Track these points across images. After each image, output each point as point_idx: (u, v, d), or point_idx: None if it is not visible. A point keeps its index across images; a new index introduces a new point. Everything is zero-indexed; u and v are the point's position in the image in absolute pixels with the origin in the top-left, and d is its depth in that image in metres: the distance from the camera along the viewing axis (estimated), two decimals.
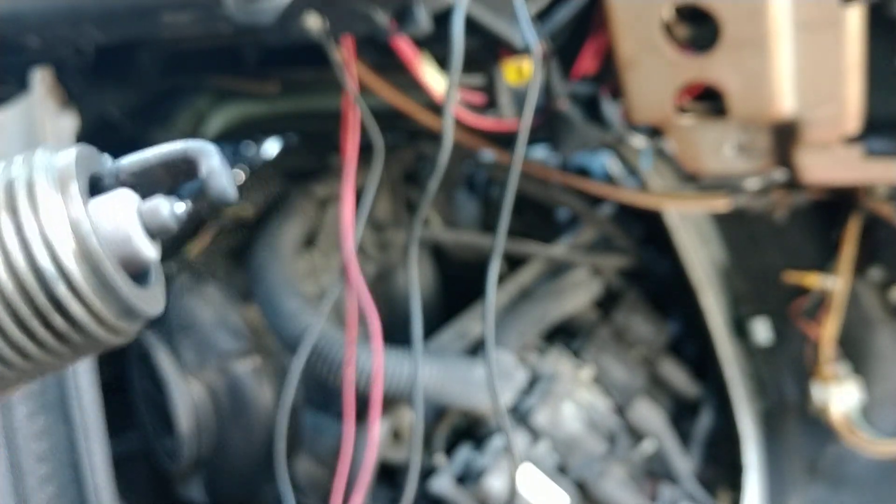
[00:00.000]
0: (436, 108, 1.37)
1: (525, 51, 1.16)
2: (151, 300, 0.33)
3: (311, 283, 1.81)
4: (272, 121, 2.26)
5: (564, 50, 1.31)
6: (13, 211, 0.30)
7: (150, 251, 0.33)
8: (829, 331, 1.87)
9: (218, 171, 0.34)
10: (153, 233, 0.33)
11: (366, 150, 1.60)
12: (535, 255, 2.15)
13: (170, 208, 0.33)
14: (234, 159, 3.10)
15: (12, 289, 0.30)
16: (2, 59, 1.54)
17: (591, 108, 1.29)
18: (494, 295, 1.47)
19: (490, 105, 1.32)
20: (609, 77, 1.32)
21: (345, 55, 1.30)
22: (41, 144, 0.32)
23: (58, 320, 0.32)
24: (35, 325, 0.31)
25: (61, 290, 0.30)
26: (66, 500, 1.15)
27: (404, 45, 1.21)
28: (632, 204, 1.86)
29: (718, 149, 1.41)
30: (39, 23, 1.30)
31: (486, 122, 1.32)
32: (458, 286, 2.38)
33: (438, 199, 2.29)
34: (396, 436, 1.63)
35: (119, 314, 0.32)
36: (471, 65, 1.26)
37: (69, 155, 0.32)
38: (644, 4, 1.18)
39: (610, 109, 1.28)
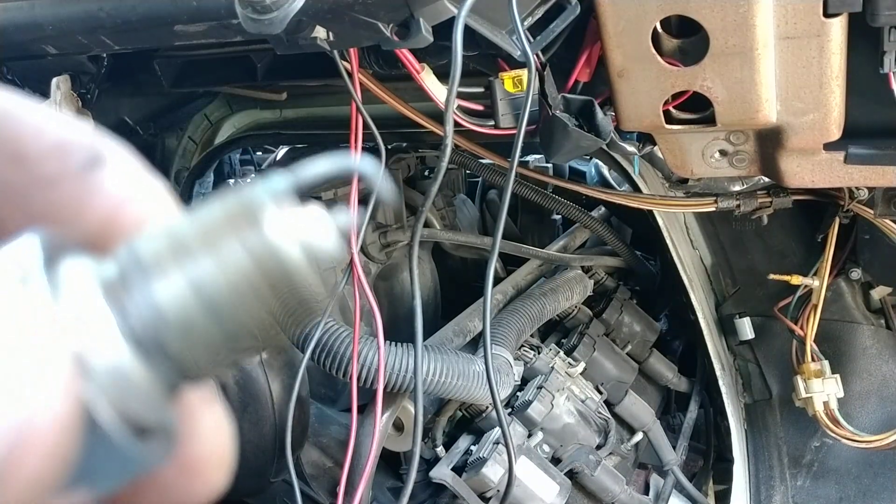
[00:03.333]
0: (437, 116, 1.41)
1: (521, 61, 1.20)
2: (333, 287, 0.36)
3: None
4: (280, 127, 2.30)
5: (559, 60, 1.35)
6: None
7: (342, 256, 0.35)
8: (811, 329, 1.90)
9: (380, 180, 0.35)
10: (342, 241, 0.34)
11: (369, 155, 1.65)
12: (531, 256, 2.19)
13: (353, 220, 0.35)
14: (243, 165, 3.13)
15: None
16: (20, 67, 1.58)
17: (585, 116, 1.31)
18: (491, 293, 1.50)
19: (488, 113, 1.35)
20: (601, 86, 1.35)
21: (350, 65, 1.34)
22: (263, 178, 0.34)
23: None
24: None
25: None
26: None
27: (407, 56, 1.25)
28: (624, 206, 1.89)
29: (705, 154, 1.43)
30: (56, 32, 1.31)
31: (484, 128, 1.35)
32: (457, 285, 2.43)
33: (439, 203, 2.33)
34: (398, 427, 1.66)
35: None
36: (470, 74, 1.29)
37: (279, 180, 0.32)
38: (635, 17, 1.19)
39: (602, 117, 1.30)
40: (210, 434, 0.36)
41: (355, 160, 0.33)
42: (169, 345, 0.30)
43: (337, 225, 0.32)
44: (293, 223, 0.31)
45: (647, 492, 1.96)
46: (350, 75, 1.33)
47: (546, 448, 1.74)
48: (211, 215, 0.31)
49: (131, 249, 0.31)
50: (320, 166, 0.32)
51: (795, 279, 1.91)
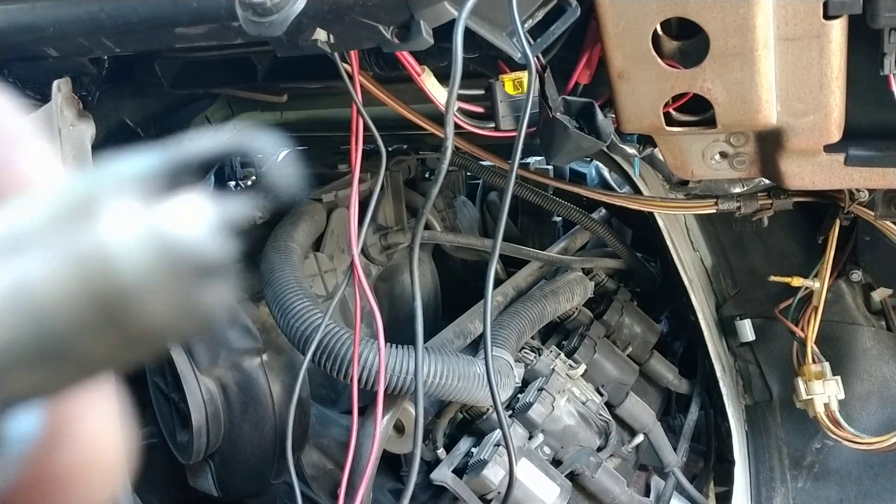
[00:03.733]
0: (437, 118, 1.41)
1: (522, 63, 1.20)
2: (222, 295, 0.28)
3: (317, 283, 1.85)
4: (281, 129, 2.30)
5: (560, 62, 1.35)
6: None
7: (224, 251, 0.28)
8: (812, 330, 1.90)
9: (274, 160, 0.31)
10: (226, 232, 0.28)
11: (370, 157, 1.65)
12: (531, 258, 2.19)
13: (242, 208, 0.28)
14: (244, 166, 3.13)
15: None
16: (20, 69, 1.58)
17: (585, 118, 1.31)
18: (492, 295, 1.50)
19: (489, 115, 1.35)
20: (602, 88, 1.35)
21: (350, 67, 1.34)
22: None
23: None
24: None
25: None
26: None
27: (407, 58, 1.25)
28: (624, 208, 1.89)
29: (706, 156, 1.43)
30: (57, 34, 1.31)
31: (485, 130, 1.35)
32: (457, 287, 2.43)
33: (439, 204, 2.33)
34: (399, 429, 1.66)
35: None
36: (471, 76, 1.29)
37: (137, 162, 0.28)
38: (635, 19, 1.19)
39: (602, 119, 1.30)
40: (90, 439, 0.33)
41: (251, 138, 0.28)
42: None
43: (218, 217, 0.26)
44: (145, 218, 0.26)
45: (647, 493, 1.96)
46: (351, 77, 1.34)
47: (547, 450, 1.74)
48: (57, 201, 0.27)
49: None
50: (204, 144, 0.27)
51: (796, 281, 1.91)
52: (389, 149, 2.10)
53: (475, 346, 1.77)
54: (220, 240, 0.26)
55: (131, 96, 1.99)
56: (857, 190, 1.72)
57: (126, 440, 0.35)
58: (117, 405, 0.35)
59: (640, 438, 1.99)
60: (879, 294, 2.02)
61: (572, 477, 1.71)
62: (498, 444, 1.62)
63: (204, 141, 0.28)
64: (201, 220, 0.26)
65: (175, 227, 0.26)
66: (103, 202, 0.26)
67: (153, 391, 1.74)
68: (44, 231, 0.26)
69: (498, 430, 1.65)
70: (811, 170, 1.41)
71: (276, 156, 0.31)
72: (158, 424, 1.77)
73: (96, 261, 0.25)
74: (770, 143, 1.37)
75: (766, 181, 1.61)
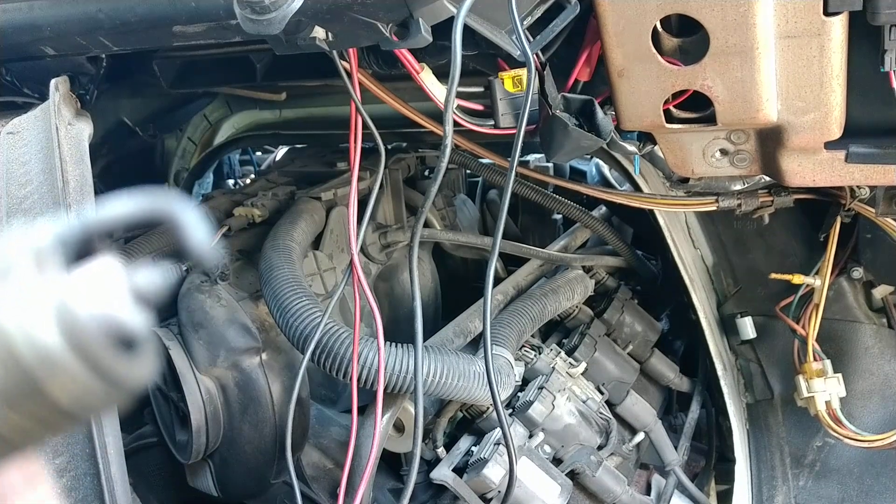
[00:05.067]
0: (437, 116, 1.41)
1: (521, 61, 1.20)
2: (140, 368, 0.28)
3: (316, 282, 1.85)
4: (280, 127, 2.30)
5: (559, 59, 1.35)
6: None
7: (139, 323, 0.28)
8: (813, 328, 1.90)
9: (194, 230, 0.29)
10: (142, 303, 0.28)
11: (369, 155, 1.65)
12: (532, 256, 2.19)
13: (159, 277, 0.28)
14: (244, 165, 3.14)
15: None
16: (19, 68, 1.58)
17: (585, 116, 1.31)
18: (492, 294, 1.50)
19: (488, 112, 1.35)
20: (602, 85, 1.35)
21: (349, 65, 1.34)
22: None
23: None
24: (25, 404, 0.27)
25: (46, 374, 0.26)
26: (81, 490, 1.17)
27: (406, 56, 1.25)
28: (625, 206, 1.89)
29: (706, 154, 1.43)
30: (54, 33, 1.31)
31: (484, 128, 1.35)
32: (457, 285, 2.43)
33: (439, 203, 2.33)
34: (399, 428, 1.66)
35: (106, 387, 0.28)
36: (470, 74, 1.29)
37: (46, 232, 0.27)
38: (635, 16, 1.19)
39: (602, 117, 1.30)
40: None
41: (167, 201, 0.27)
42: None
43: (134, 286, 0.25)
44: (50, 293, 0.24)
45: (648, 492, 1.96)
46: (349, 75, 1.33)
47: (547, 449, 1.74)
48: None
49: None
50: (114, 210, 0.27)
51: (797, 278, 1.91)
52: (388, 147, 2.11)
53: (475, 345, 1.77)
54: (134, 310, 0.25)
55: (130, 95, 1.99)
56: (858, 187, 1.72)
57: None
58: (47, 482, 0.35)
59: (640, 437, 1.98)
60: (880, 291, 2.01)
61: (573, 476, 1.71)
62: (498, 443, 1.62)
63: (118, 205, 0.27)
64: (112, 292, 0.25)
65: (82, 300, 0.24)
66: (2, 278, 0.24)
67: (152, 391, 1.74)
68: None
69: (498, 428, 1.64)
70: (812, 167, 1.40)
71: (195, 226, 0.29)
72: (157, 424, 1.76)
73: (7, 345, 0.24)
74: (771, 141, 1.37)
75: (767, 178, 1.61)
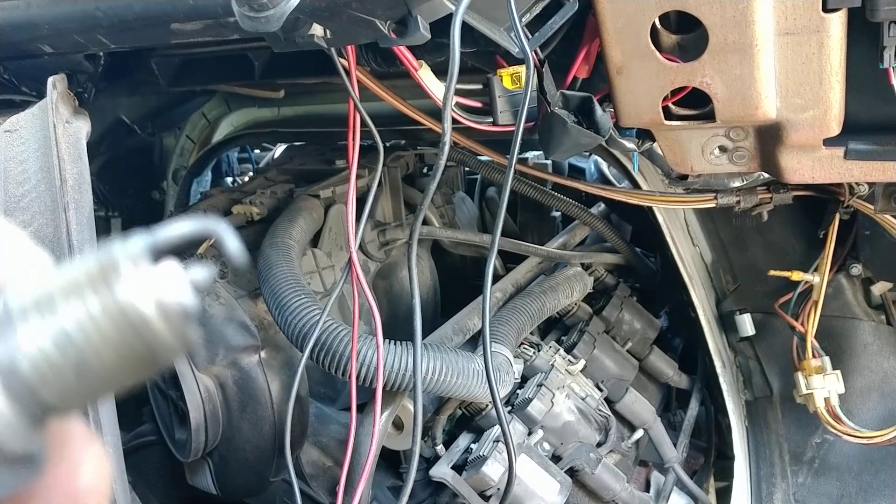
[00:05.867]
0: (435, 113, 1.41)
1: (520, 58, 1.19)
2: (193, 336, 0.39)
3: (315, 280, 1.85)
4: (278, 125, 2.30)
5: (558, 56, 1.35)
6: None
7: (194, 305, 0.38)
8: (812, 325, 1.90)
9: (235, 247, 0.39)
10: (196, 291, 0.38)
11: (368, 153, 1.65)
12: (530, 254, 2.19)
13: (207, 272, 0.39)
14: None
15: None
16: (16, 67, 1.57)
17: (584, 113, 1.31)
18: (491, 291, 1.50)
19: (487, 110, 1.35)
20: (600, 82, 1.35)
21: (347, 62, 1.33)
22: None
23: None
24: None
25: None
26: None
27: (404, 53, 1.25)
28: (624, 203, 1.89)
29: (705, 151, 1.43)
30: (52, 31, 1.31)
31: (483, 126, 1.35)
32: (456, 283, 2.43)
33: (438, 200, 2.33)
34: (398, 426, 1.66)
35: None
36: (468, 71, 1.29)
37: (136, 241, 0.37)
38: (634, 12, 1.19)
39: (601, 114, 1.30)
40: (91, 467, 0.41)
41: (213, 225, 0.38)
42: (32, 386, 0.36)
43: (191, 280, 0.37)
44: (147, 281, 0.36)
45: (648, 489, 1.96)
46: (348, 73, 1.33)
47: (546, 446, 1.74)
48: (74, 273, 0.37)
49: (2, 302, 0.37)
50: (178, 229, 0.38)
51: (796, 275, 1.91)
52: (387, 144, 2.11)
53: (474, 343, 1.76)
54: (191, 296, 0.37)
55: (128, 93, 1.99)
56: (857, 184, 1.73)
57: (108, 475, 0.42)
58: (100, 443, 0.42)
59: (639, 434, 1.99)
60: (879, 288, 2.02)
61: (572, 473, 1.71)
62: (497, 441, 1.62)
63: (177, 226, 0.37)
64: (184, 282, 0.37)
65: (166, 288, 0.36)
66: (118, 270, 0.36)
67: (151, 389, 1.74)
68: (70, 294, 0.36)
69: (497, 426, 1.65)
70: (811, 164, 1.40)
71: (232, 240, 0.39)
72: (156, 422, 1.76)
73: (118, 312, 0.36)
74: (769, 138, 1.37)
75: (766, 175, 1.61)
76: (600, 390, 1.94)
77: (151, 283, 0.36)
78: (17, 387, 0.35)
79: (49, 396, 0.36)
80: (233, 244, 0.38)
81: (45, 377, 0.35)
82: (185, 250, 1.77)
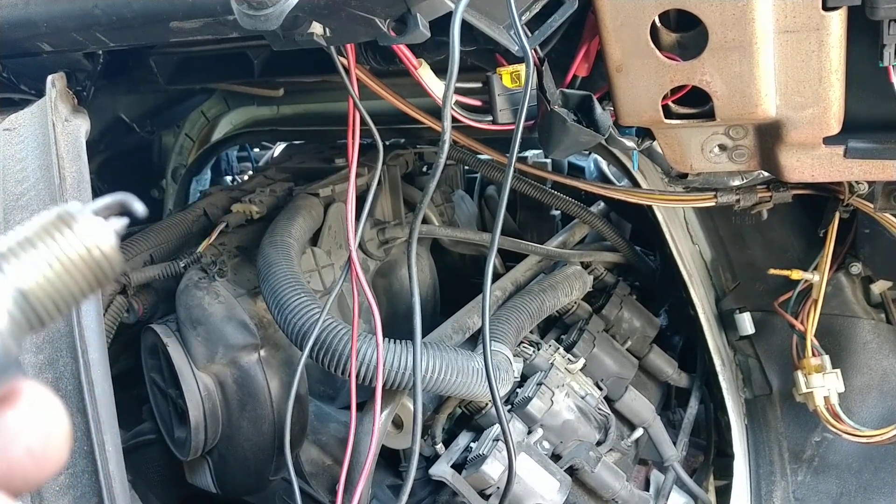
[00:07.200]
0: (435, 111, 1.41)
1: (519, 56, 1.19)
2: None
3: (314, 279, 1.85)
4: (277, 124, 2.30)
5: (557, 55, 1.35)
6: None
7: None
8: (811, 323, 1.90)
9: (139, 205, 0.48)
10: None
11: (367, 151, 1.65)
12: (530, 252, 2.19)
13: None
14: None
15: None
16: (15, 65, 1.57)
17: (583, 111, 1.31)
18: (490, 290, 1.50)
19: (486, 108, 1.35)
20: (600, 81, 1.35)
21: (347, 61, 1.33)
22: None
23: None
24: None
25: None
26: (79, 488, 1.16)
27: (404, 51, 1.25)
28: (623, 202, 1.89)
29: (705, 149, 1.43)
30: (51, 29, 1.30)
31: (482, 124, 1.35)
32: (456, 282, 2.43)
33: (437, 199, 2.33)
34: (398, 425, 1.66)
35: None
36: (468, 69, 1.29)
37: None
38: (633, 11, 1.19)
39: (601, 112, 1.29)
40: (50, 420, 0.44)
41: (121, 195, 0.47)
42: (34, 306, 0.44)
43: (113, 228, 0.47)
44: (92, 226, 0.46)
45: (647, 488, 1.96)
46: (347, 71, 1.33)
47: (546, 445, 1.74)
48: (41, 224, 0.45)
49: None
50: (101, 200, 0.47)
51: (795, 274, 1.91)
52: (387, 143, 2.11)
53: (474, 341, 1.76)
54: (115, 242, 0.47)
55: (127, 92, 1.99)
56: (857, 182, 1.72)
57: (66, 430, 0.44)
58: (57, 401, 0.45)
59: (639, 433, 1.99)
60: (879, 287, 2.02)
61: (572, 472, 1.71)
62: (497, 439, 1.62)
63: (101, 198, 0.48)
64: (110, 228, 0.47)
65: (104, 231, 0.46)
66: (74, 219, 0.46)
67: (150, 387, 1.74)
68: (41, 236, 0.45)
69: (497, 424, 1.65)
70: (811, 162, 1.40)
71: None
72: (156, 421, 1.76)
73: (88, 247, 0.45)
74: (769, 136, 1.37)
75: (766, 174, 1.61)
76: (600, 389, 1.94)
77: (94, 228, 0.46)
78: (24, 307, 0.44)
79: (43, 315, 0.45)
80: (138, 204, 0.47)
81: (41, 299, 0.44)
82: (185, 249, 1.78)
